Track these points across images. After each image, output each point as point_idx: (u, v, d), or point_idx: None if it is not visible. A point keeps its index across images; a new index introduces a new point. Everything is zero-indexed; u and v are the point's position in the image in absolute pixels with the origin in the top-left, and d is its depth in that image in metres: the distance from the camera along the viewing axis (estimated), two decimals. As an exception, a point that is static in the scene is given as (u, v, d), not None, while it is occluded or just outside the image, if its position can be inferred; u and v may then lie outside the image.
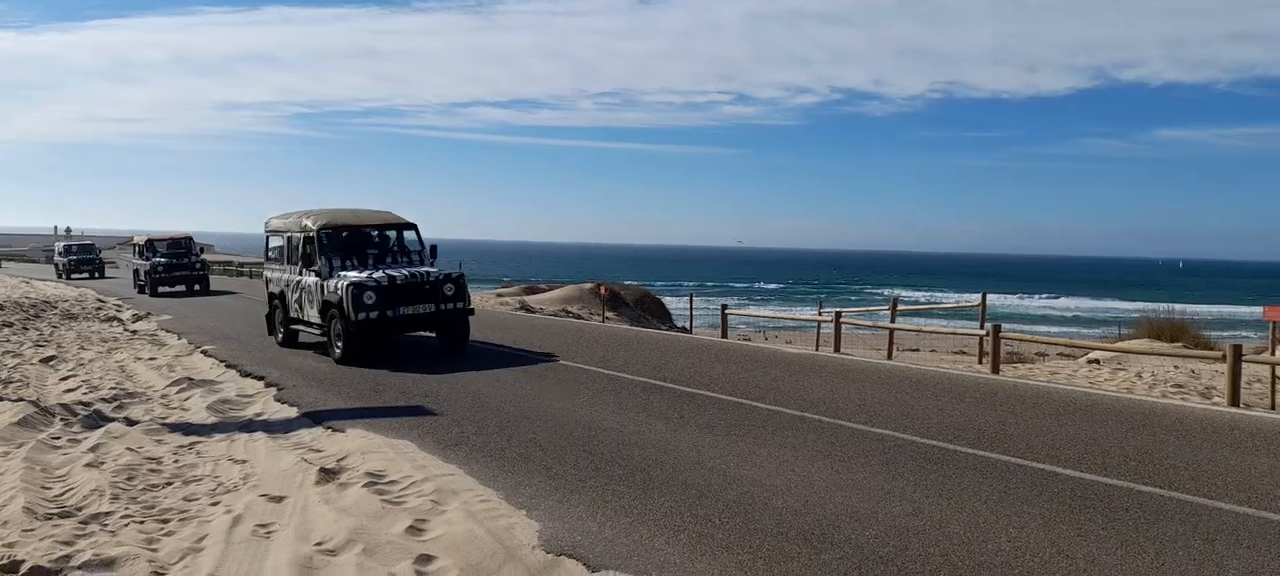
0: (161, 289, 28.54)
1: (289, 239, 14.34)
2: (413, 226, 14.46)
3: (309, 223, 13.59)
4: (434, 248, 14.49)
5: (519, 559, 4.92)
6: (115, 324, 19.13)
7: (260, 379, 11.16)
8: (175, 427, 8.44)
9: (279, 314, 14.65)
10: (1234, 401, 9.10)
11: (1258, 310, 11.71)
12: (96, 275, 41.24)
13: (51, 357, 13.26)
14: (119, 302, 24.61)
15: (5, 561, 4.77)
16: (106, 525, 5.60)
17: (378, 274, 12.72)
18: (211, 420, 8.84)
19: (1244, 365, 9.34)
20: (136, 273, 30.49)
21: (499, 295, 32.89)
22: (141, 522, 5.66)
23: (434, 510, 5.76)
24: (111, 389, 10.46)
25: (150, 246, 29.94)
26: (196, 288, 29.32)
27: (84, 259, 42.02)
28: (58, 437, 7.84)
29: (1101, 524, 5.31)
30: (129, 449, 7.44)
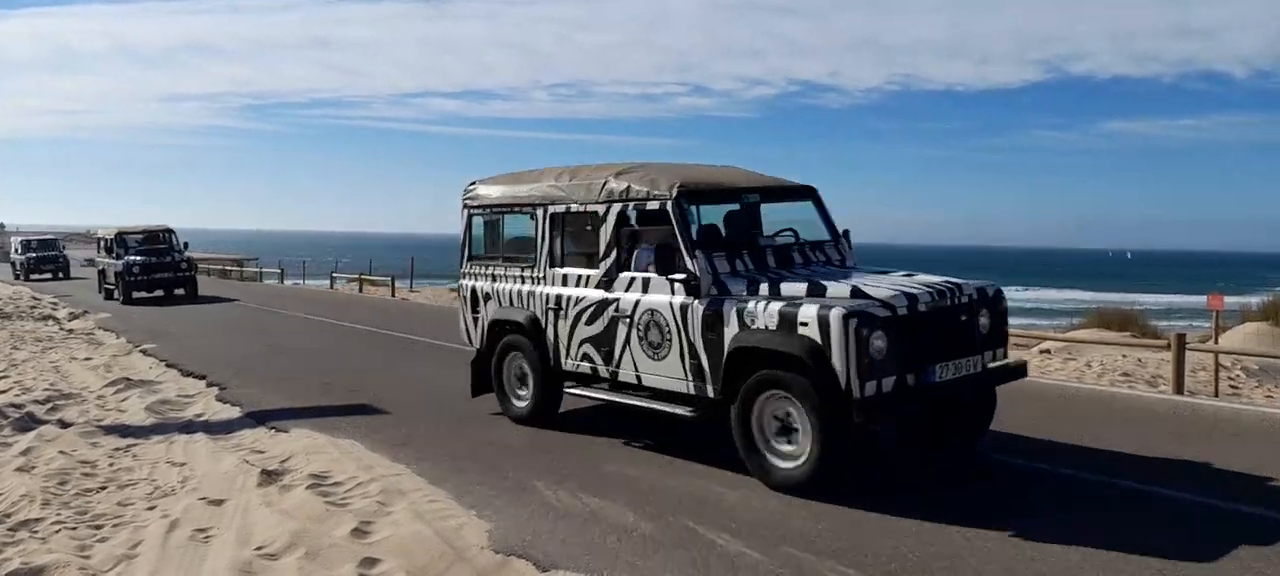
0: (137, 295, 23.10)
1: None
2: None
3: (647, 186, 6.89)
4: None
5: (468, 559, 4.80)
6: (51, 322, 18.53)
7: (201, 378, 10.84)
8: (111, 430, 8.15)
9: (524, 360, 7.94)
10: (1178, 388, 9.27)
11: (1203, 299, 11.95)
12: (60, 276, 36.16)
13: (-17, 358, 12.75)
14: (55, 300, 23.84)
15: (-76, 572, 4.55)
16: (36, 532, 5.39)
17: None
18: (150, 421, 8.55)
19: (1188, 353, 9.51)
20: (103, 275, 25.28)
21: (452, 291, 32.51)
22: (74, 529, 5.45)
23: (380, 511, 5.61)
24: (45, 390, 10.07)
25: (121, 241, 24.47)
26: (181, 291, 24.01)
27: (46, 256, 37.13)
28: (-14, 442, 7.52)
29: (1050, 513, 5.34)
30: (62, 452, 7.17)
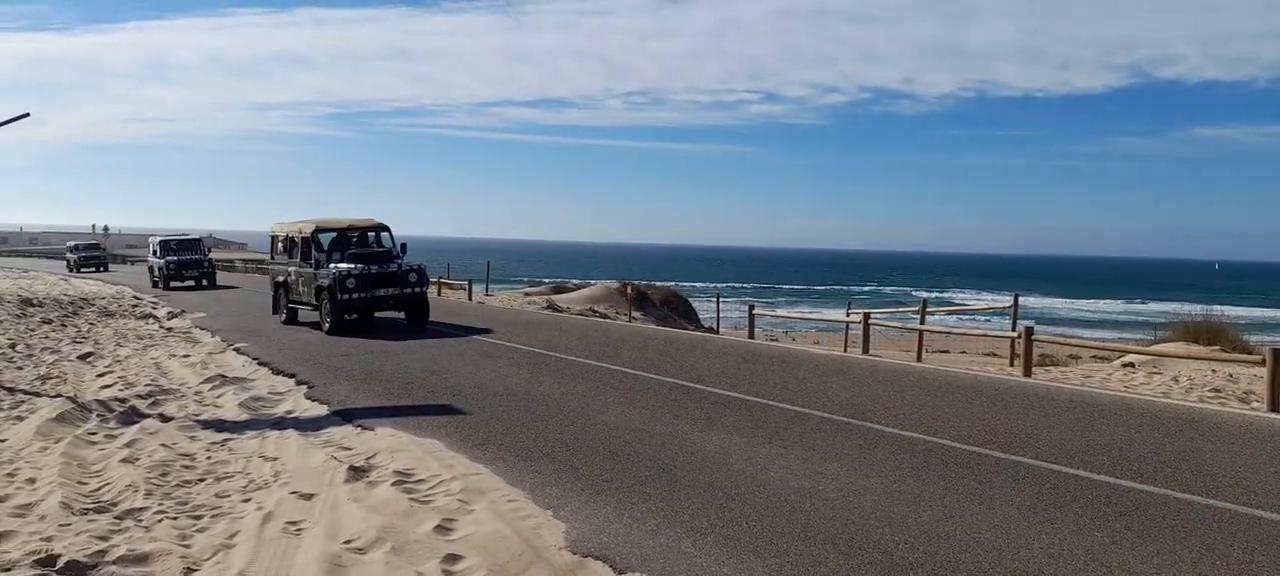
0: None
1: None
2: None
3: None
4: (404, 245, 17.78)
5: (546, 559, 4.93)
6: (151, 321, 19.44)
7: (291, 376, 11.28)
8: (208, 424, 8.55)
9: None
10: (1274, 406, 8.91)
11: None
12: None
13: (89, 354, 13.49)
14: (155, 300, 25.00)
15: (42, 555, 4.85)
16: (141, 521, 5.67)
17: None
18: (243, 417, 8.94)
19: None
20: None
21: (526, 294, 33.01)
22: (175, 518, 5.73)
23: (462, 509, 5.79)
24: (147, 385, 10.62)
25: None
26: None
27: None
28: (94, 433, 7.97)
29: (1137, 531, 5.21)
30: (163, 445, 7.55)
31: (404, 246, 17.54)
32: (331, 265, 16.36)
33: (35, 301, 22.00)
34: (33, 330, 16.26)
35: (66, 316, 19.17)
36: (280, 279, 18.55)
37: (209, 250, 34.72)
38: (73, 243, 53.79)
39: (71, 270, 47.23)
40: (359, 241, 17.56)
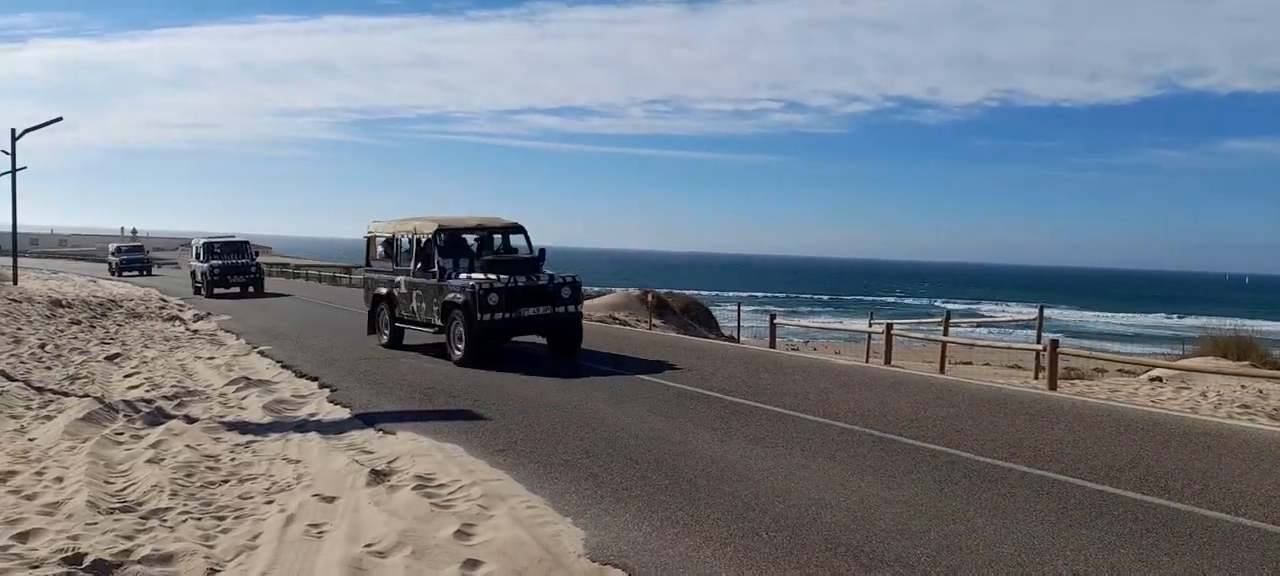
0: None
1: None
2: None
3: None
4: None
5: (565, 566, 4.93)
6: (177, 323, 19.67)
7: (314, 380, 11.37)
8: (232, 426, 8.64)
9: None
10: (1306, 424, 8.75)
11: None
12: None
13: (116, 355, 13.67)
14: (181, 302, 25.31)
15: (69, 553, 4.92)
16: (166, 521, 5.73)
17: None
18: (267, 419, 9.02)
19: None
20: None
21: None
22: (199, 519, 5.78)
23: (482, 515, 5.80)
24: (173, 387, 10.75)
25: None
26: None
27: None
28: (121, 433, 8.07)
29: (1165, 549, 5.14)
30: (188, 446, 7.63)
31: (542, 252, 14.14)
32: (463, 276, 13.13)
33: (64, 303, 22.33)
34: (62, 331, 16.50)
35: (95, 318, 19.44)
36: (383, 291, 14.72)
37: (257, 254, 32.20)
38: (115, 245, 51.99)
39: (113, 273, 45.88)
40: (482, 243, 14.48)
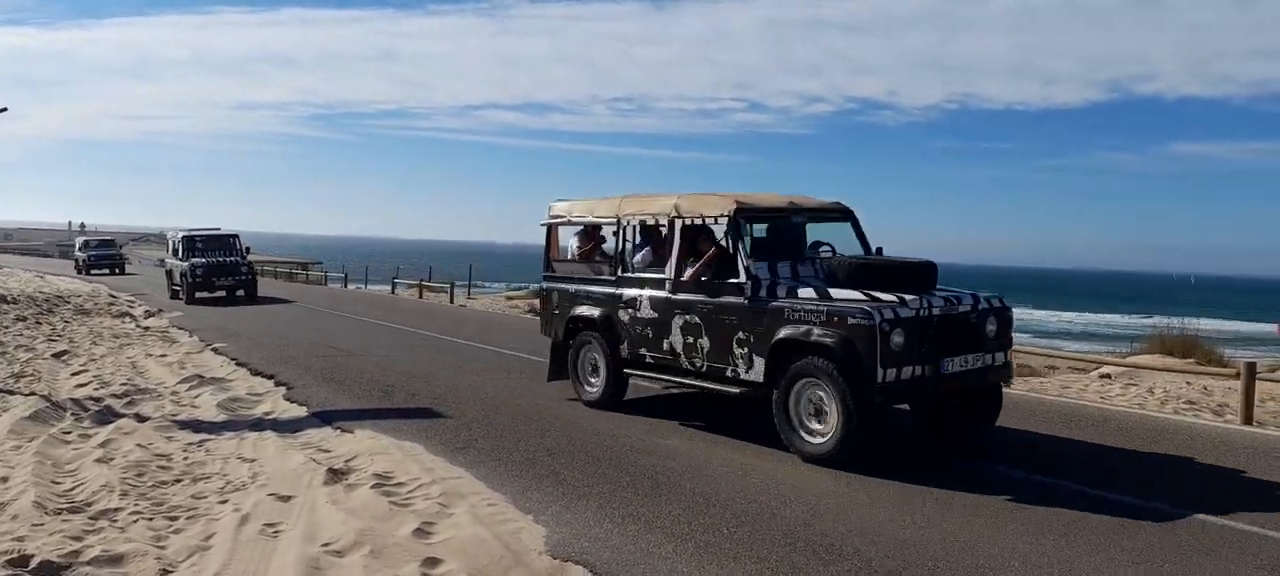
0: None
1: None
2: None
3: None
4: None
5: (526, 564, 4.92)
6: (127, 320, 19.24)
7: (270, 377, 11.19)
8: (185, 425, 8.47)
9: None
10: (1248, 419, 9.03)
11: (1271, 327, 11.58)
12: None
13: (64, 352, 13.33)
14: (131, 298, 24.74)
15: (15, 555, 4.80)
16: (116, 521, 5.61)
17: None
18: (221, 418, 8.87)
19: (1258, 382, 9.26)
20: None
21: (508, 298, 32.91)
22: (150, 519, 5.67)
23: (442, 513, 5.77)
24: (122, 385, 10.51)
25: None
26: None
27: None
28: (68, 432, 7.89)
29: (1113, 542, 5.27)
30: (139, 445, 7.47)
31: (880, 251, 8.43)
32: (805, 292, 7.22)
33: (9, 298, 21.73)
34: (6, 327, 16.06)
35: (41, 314, 18.95)
36: (592, 313, 9.01)
37: (248, 251, 25.89)
38: (82, 239, 45.41)
39: (81, 271, 39.24)
40: (779, 234, 8.52)
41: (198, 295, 23.66)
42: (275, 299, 25.17)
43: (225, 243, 25.43)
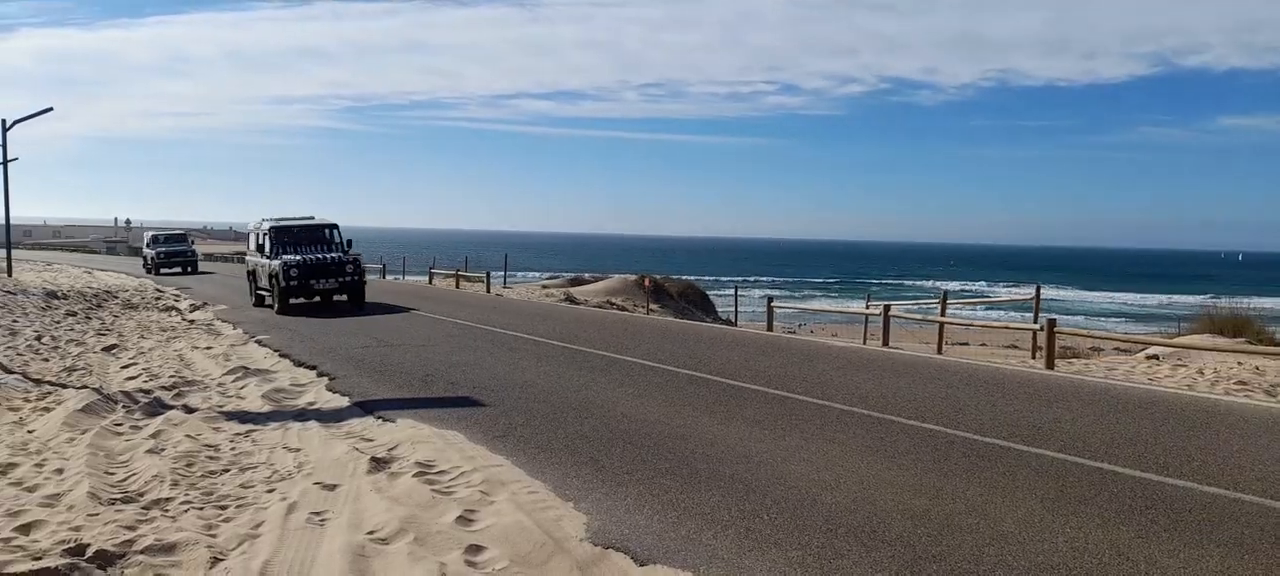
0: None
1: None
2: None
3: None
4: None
5: (567, 551, 4.94)
6: (173, 313, 19.63)
7: (312, 368, 11.36)
8: (232, 415, 8.63)
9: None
10: (1302, 400, 8.79)
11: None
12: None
13: (113, 346, 13.65)
14: (177, 292, 25.23)
15: (71, 544, 4.92)
16: (167, 510, 5.73)
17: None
18: (266, 408, 9.02)
19: (1313, 362, 9.02)
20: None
21: (543, 287, 33.06)
22: (201, 508, 5.79)
23: (483, 500, 5.81)
24: (171, 377, 10.73)
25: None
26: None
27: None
28: (120, 424, 8.07)
29: (1164, 525, 5.16)
30: (188, 436, 7.62)
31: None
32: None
33: (59, 294, 22.27)
34: (58, 322, 16.47)
35: (90, 309, 19.40)
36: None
37: (350, 243, 20.86)
38: (150, 234, 40.26)
39: (150, 270, 35.99)
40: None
41: (294, 301, 19.20)
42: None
43: (320, 234, 20.59)
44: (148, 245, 38.42)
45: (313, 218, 21.36)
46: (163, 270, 35.53)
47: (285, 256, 19.38)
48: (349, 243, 20.88)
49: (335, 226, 21.05)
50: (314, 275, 19.29)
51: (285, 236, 20.26)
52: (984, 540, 4.96)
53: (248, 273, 22.15)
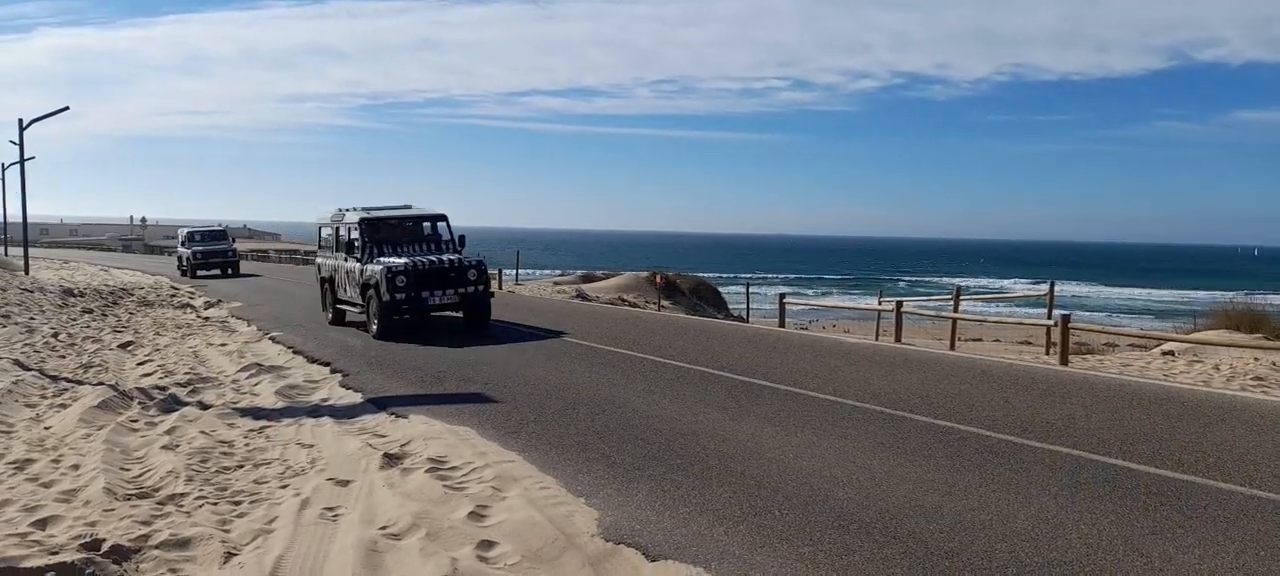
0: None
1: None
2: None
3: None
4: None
5: (578, 546, 4.95)
6: (188, 311, 19.75)
7: (325, 365, 11.42)
8: (246, 412, 8.68)
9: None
10: (1320, 396, 8.71)
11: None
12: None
13: (129, 343, 13.75)
14: (192, 290, 25.40)
15: (88, 539, 4.96)
16: (182, 506, 5.77)
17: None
18: (280, 405, 9.07)
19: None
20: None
21: (556, 283, 33.09)
22: (215, 504, 5.83)
23: (495, 496, 5.83)
24: (185, 373, 10.81)
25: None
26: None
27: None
28: (136, 420, 8.13)
29: (1179, 521, 5.13)
30: (202, 432, 7.68)
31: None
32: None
33: (76, 292, 22.45)
34: (74, 320, 16.60)
35: (106, 306, 19.55)
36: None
37: (462, 241, 19.71)
38: (186, 231, 34.52)
39: (186, 273, 31.59)
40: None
41: (396, 318, 13.66)
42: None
43: (421, 231, 15.64)
44: (182, 244, 33.58)
45: (410, 207, 16.00)
46: (200, 272, 31.33)
47: (387, 259, 14.15)
48: (462, 239, 15.50)
49: (443, 217, 15.83)
50: (428, 284, 13.90)
51: (379, 228, 15.09)
52: (996, 537, 4.94)
53: (322, 280, 16.44)
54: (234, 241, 36.08)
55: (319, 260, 17.26)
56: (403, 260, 14.04)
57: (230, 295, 18.31)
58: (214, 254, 32.17)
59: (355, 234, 15.06)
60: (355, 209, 15.52)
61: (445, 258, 14.52)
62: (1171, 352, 12.94)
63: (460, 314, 14.95)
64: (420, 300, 13.85)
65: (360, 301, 14.69)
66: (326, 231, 16.71)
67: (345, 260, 15.45)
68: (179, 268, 33.07)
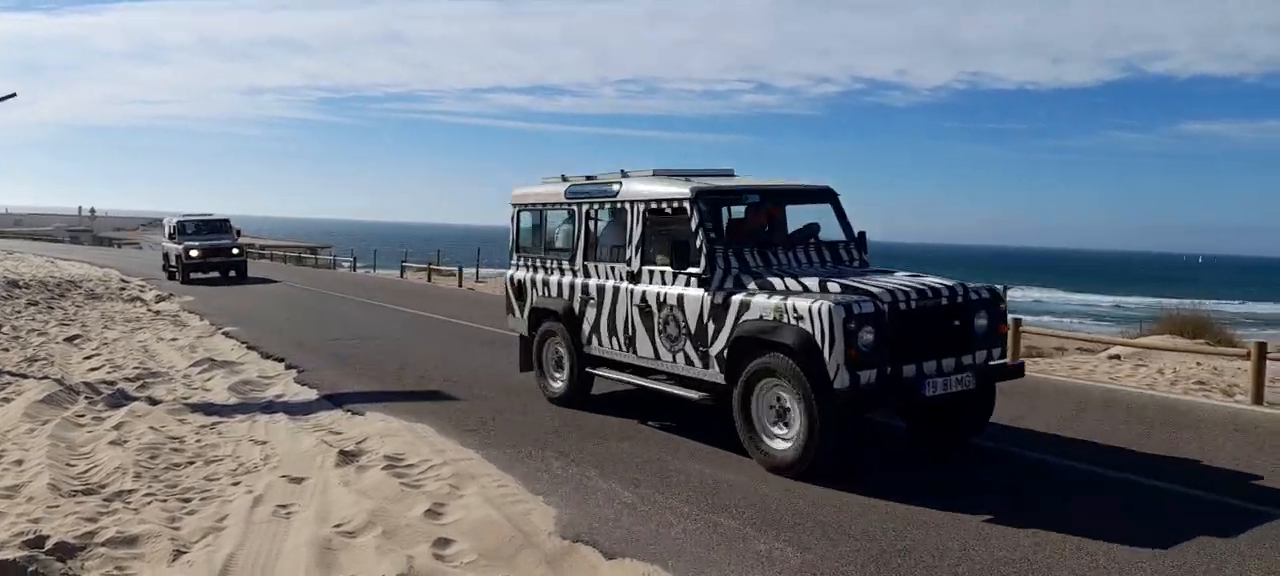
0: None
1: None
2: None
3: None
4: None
5: (536, 544, 4.95)
6: (138, 304, 19.34)
7: (280, 360, 11.25)
8: (197, 408, 8.53)
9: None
10: (1258, 399, 9.01)
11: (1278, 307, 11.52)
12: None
13: (76, 337, 13.42)
14: (142, 283, 24.84)
15: (31, 536, 4.85)
16: (130, 503, 5.66)
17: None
18: (233, 401, 8.92)
19: (1268, 362, 9.23)
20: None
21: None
22: (164, 501, 5.72)
23: (452, 494, 5.80)
24: (135, 368, 10.58)
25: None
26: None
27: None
28: (82, 416, 7.95)
29: (1122, 519, 5.28)
30: (152, 428, 7.53)
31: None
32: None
33: (21, 283, 21.85)
34: (19, 312, 16.17)
35: (52, 299, 19.06)
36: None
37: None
38: (177, 220, 26.23)
39: (176, 274, 24.98)
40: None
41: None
42: (284, 281, 25.24)
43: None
44: (171, 236, 26.03)
45: (733, 173, 8.52)
46: (194, 275, 24.72)
47: (813, 284, 6.42)
48: (861, 237, 7.86)
49: (832, 194, 7.99)
50: (920, 345, 6.21)
51: (742, 228, 7.93)
52: (948, 534, 5.04)
53: (534, 311, 8.79)
54: (238, 234, 28.25)
55: (516, 273, 9.10)
56: (838, 286, 6.27)
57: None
58: (213, 250, 25.05)
59: (687, 224, 7.01)
60: (649, 173, 7.89)
61: (935, 282, 6.71)
62: (1118, 356, 13.26)
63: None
64: (905, 384, 6.10)
65: (688, 365, 7.01)
66: (558, 218, 8.73)
67: (637, 280, 7.45)
68: (166, 268, 26.00)
